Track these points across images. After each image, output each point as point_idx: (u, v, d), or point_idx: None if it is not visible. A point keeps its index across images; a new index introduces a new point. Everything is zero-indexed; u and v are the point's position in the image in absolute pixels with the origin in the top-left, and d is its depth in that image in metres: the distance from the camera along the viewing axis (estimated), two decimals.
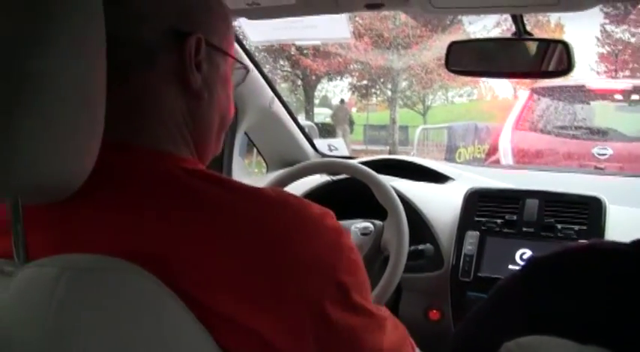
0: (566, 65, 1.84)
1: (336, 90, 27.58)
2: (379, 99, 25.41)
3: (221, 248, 0.83)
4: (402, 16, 19.86)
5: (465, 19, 19.66)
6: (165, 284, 0.77)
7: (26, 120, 0.71)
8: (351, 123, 20.73)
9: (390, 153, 16.76)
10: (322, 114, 26.09)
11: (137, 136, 0.94)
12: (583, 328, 0.70)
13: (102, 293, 0.73)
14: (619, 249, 0.76)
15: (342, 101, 22.10)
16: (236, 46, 2.13)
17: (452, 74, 2.22)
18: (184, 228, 0.83)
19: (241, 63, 1.13)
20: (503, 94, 28.57)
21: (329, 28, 2.52)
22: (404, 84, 22.76)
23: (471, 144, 15.91)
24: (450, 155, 15.19)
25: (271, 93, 2.52)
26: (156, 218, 0.85)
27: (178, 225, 0.84)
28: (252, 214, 0.86)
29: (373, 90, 24.42)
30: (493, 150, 8.55)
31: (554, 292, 0.77)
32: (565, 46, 1.85)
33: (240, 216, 0.85)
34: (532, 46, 1.91)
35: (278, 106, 2.59)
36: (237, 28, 2.38)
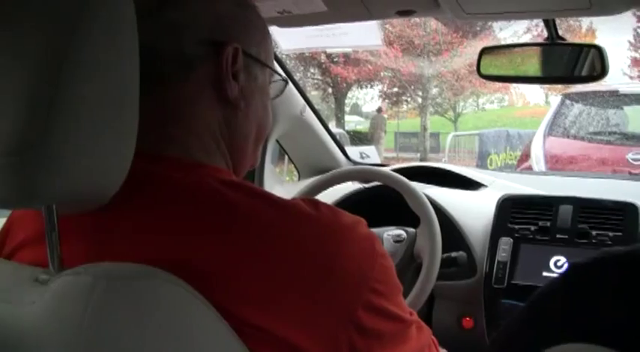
0: (599, 70, 1.82)
1: (366, 97, 27.59)
2: (410, 106, 25.33)
3: (256, 260, 0.83)
4: (433, 23, 19.83)
5: (496, 24, 19.57)
6: (198, 290, 0.78)
7: (61, 131, 0.72)
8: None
9: (421, 160, 16.72)
10: (353, 122, 26.10)
11: (171, 147, 0.95)
12: (630, 337, 0.69)
13: (136, 301, 0.74)
14: None
15: (379, 110, 22.14)
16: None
17: (483, 80, 2.21)
18: (219, 238, 0.84)
19: (280, 74, 1.13)
20: (535, 100, 28.41)
21: (360, 35, 2.52)
22: (434, 91, 22.69)
23: (502, 151, 15.82)
24: (482, 162, 15.11)
25: (303, 101, 2.52)
26: (190, 228, 0.85)
27: (213, 235, 0.84)
28: (287, 226, 0.86)
29: (404, 97, 24.35)
30: (525, 156, 8.49)
31: (597, 299, 0.76)
32: (599, 50, 1.83)
33: (275, 228, 0.86)
34: (565, 51, 1.90)
35: (309, 114, 2.59)
36: None
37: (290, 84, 2.44)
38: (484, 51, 1.98)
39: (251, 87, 1.02)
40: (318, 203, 0.92)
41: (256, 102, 1.04)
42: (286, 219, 0.87)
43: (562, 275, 0.83)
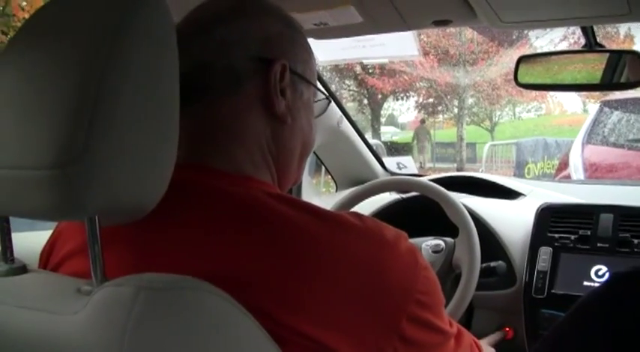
0: (639, 76, 1.81)
1: (402, 108, 27.56)
2: (446, 116, 25.26)
3: (303, 272, 0.84)
4: (468, 33, 19.76)
5: (532, 33, 19.44)
6: (242, 303, 0.78)
7: (102, 144, 0.73)
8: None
9: (458, 170, 16.64)
10: (389, 133, 26.08)
11: (218, 159, 0.97)
12: None
13: (178, 312, 0.74)
14: None
15: (422, 121, 22.30)
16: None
17: (519, 89, 2.21)
18: (266, 251, 0.85)
19: (324, 93, 1.15)
20: (572, 109, 28.15)
21: (397, 46, 2.52)
22: (470, 100, 22.59)
23: (540, 160, 15.69)
24: (519, 171, 14.99)
25: (340, 113, 2.53)
26: (237, 240, 0.86)
27: (260, 247, 0.85)
28: (334, 239, 0.87)
29: (440, 107, 24.28)
30: (563, 165, 8.40)
31: (638, 309, 0.75)
32: (638, 56, 1.81)
33: (322, 240, 0.87)
34: (603, 58, 1.88)
35: (346, 125, 2.59)
36: None
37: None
38: (521, 59, 1.98)
39: (297, 103, 1.05)
40: (362, 216, 0.94)
41: (302, 118, 1.06)
42: (333, 232, 0.88)
43: (604, 284, 0.83)
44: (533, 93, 23.02)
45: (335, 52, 2.45)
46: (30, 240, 1.32)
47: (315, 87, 1.11)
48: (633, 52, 1.85)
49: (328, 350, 0.83)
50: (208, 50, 0.98)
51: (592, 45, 1.83)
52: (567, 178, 7.90)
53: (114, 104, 0.74)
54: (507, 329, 2.06)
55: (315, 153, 2.68)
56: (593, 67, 1.90)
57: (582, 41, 1.85)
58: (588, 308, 0.83)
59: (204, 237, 0.87)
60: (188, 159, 0.96)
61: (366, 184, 2.13)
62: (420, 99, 24.39)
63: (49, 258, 1.06)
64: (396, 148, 19.74)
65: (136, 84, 0.75)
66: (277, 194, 0.94)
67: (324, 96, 1.17)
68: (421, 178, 2.37)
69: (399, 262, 0.90)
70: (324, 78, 2.54)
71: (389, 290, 0.88)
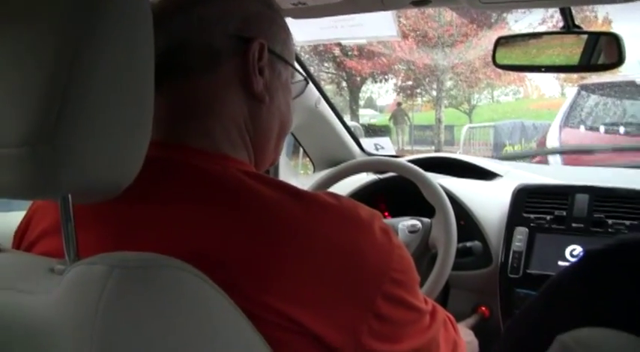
0: (616, 58, 1.81)
1: (380, 91, 27.52)
2: (424, 99, 25.25)
3: (277, 250, 0.85)
4: (447, 15, 19.74)
5: (511, 16, 19.45)
6: (216, 280, 0.78)
7: (73, 121, 0.72)
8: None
9: (436, 152, 16.67)
10: (367, 116, 26.03)
11: (197, 138, 0.97)
12: (636, 319, 0.69)
13: (151, 290, 0.73)
14: None
15: (399, 104, 22.33)
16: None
17: (498, 72, 2.21)
18: (241, 228, 0.85)
19: (302, 74, 1.16)
20: (550, 92, 28.21)
21: (376, 27, 2.50)
22: (449, 83, 22.61)
23: (517, 143, 15.76)
24: (497, 153, 15.06)
25: (317, 94, 2.52)
26: (212, 217, 0.87)
27: (235, 225, 0.86)
28: (310, 219, 0.88)
29: (418, 90, 24.27)
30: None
31: (613, 286, 0.76)
32: (615, 38, 1.82)
33: (296, 220, 0.87)
34: (581, 40, 1.89)
35: (324, 106, 2.59)
36: None
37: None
38: (499, 40, 1.98)
39: (275, 83, 1.05)
40: (337, 195, 0.94)
41: (279, 98, 1.06)
42: (308, 211, 0.88)
43: (577, 261, 0.83)
44: (512, 76, 23.09)
45: (313, 32, 2.43)
46: (4, 220, 1.31)
47: (294, 67, 1.11)
48: (610, 34, 1.85)
49: (302, 327, 0.84)
50: (187, 28, 0.98)
51: (570, 27, 1.84)
52: (544, 161, 7.94)
53: (87, 82, 0.73)
54: (483, 308, 2.08)
55: (292, 134, 2.67)
56: (572, 51, 1.90)
57: (561, 25, 1.86)
58: (560, 285, 0.84)
59: (180, 215, 0.87)
60: (166, 137, 0.96)
61: (343, 164, 2.13)
62: (399, 82, 24.37)
63: (23, 237, 1.05)
64: (374, 130, 19.72)
65: (110, 62, 0.75)
66: (254, 173, 0.94)
67: (302, 78, 1.17)
68: (398, 159, 2.37)
69: (374, 241, 0.91)
70: (303, 59, 2.54)
71: (364, 269, 0.88)
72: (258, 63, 1.00)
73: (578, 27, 1.85)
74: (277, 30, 1.06)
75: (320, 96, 2.54)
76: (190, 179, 0.91)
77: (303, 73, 1.18)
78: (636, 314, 0.71)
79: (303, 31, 2.33)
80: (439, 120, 21.09)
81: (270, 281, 0.83)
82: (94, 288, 0.72)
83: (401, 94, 24.62)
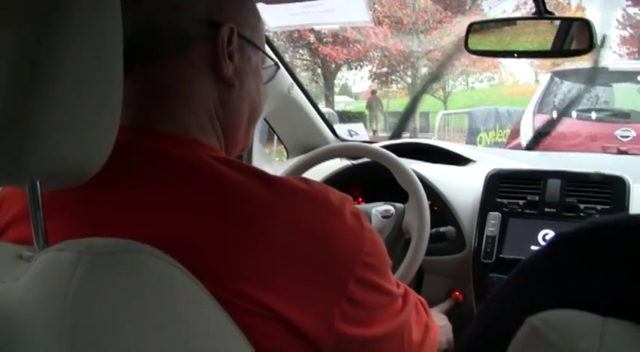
0: (587, 43, 1.82)
1: (355, 78, 27.58)
2: (399, 86, 25.35)
3: (247, 235, 0.84)
4: (422, 2, 19.79)
5: (485, 3, 19.56)
6: (187, 266, 0.78)
7: (42, 106, 0.71)
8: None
9: (412, 138, 16.74)
10: (342, 103, 26.08)
11: (165, 122, 0.96)
12: (614, 303, 0.69)
13: (120, 276, 0.73)
14: None
15: (373, 92, 22.38)
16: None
17: (472, 59, 2.21)
18: (211, 213, 0.85)
19: (272, 59, 1.16)
20: (525, 79, 28.46)
21: (348, 12, 2.50)
22: (424, 70, 22.67)
23: (492, 129, 15.84)
24: (471, 140, 15.13)
25: (290, 79, 2.51)
26: (182, 202, 0.86)
27: (205, 210, 0.85)
28: (278, 204, 0.87)
29: (393, 77, 24.34)
30: (515, 134, 8.51)
31: (583, 268, 0.76)
32: (586, 24, 1.82)
33: (266, 205, 0.87)
34: (552, 25, 1.89)
35: (297, 92, 2.58)
36: None
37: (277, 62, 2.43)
38: (472, 26, 1.98)
39: (245, 68, 1.04)
40: (308, 180, 0.94)
41: (250, 83, 1.06)
42: (279, 196, 0.88)
43: (549, 244, 0.83)
44: (486, 63, 23.21)
45: (284, 18, 2.43)
46: None
47: (264, 52, 1.10)
48: (582, 20, 1.86)
49: (274, 313, 0.83)
50: (156, 13, 0.97)
51: (542, 12, 1.84)
52: (518, 147, 8.00)
53: (54, 68, 0.72)
54: (457, 293, 2.09)
55: (266, 120, 2.66)
56: (545, 37, 1.91)
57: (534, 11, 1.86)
58: (530, 268, 0.84)
59: (150, 201, 0.87)
60: (135, 122, 0.95)
61: (316, 150, 2.12)
62: (374, 69, 24.43)
63: None
64: (349, 117, 19.78)
65: (77, 46, 0.74)
66: (224, 158, 0.93)
67: (272, 63, 1.17)
68: (372, 144, 2.37)
69: (345, 225, 0.90)
70: (276, 45, 2.53)
71: (335, 253, 0.88)
72: (227, 47, 0.99)
73: (550, 13, 1.85)
74: (247, 14, 1.05)
75: (293, 82, 2.52)
76: (159, 164, 0.90)
77: (274, 58, 1.18)
78: (602, 295, 0.71)
79: (275, 17, 2.32)
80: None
81: (240, 267, 0.83)
82: (62, 275, 0.71)
83: (376, 81, 24.68)
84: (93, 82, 0.76)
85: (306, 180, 0.93)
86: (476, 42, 1.98)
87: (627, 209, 1.91)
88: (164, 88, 0.97)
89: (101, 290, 0.72)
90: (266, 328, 0.84)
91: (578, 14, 21.67)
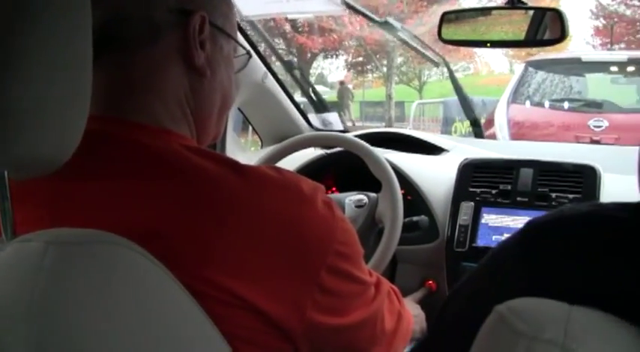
0: (559, 33, 1.83)
1: (331, 67, 27.57)
2: (375, 75, 25.38)
3: (218, 224, 0.84)
4: None
5: None
6: (157, 255, 0.78)
7: (9, 95, 0.71)
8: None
9: (387, 128, 16.77)
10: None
11: (136, 112, 0.96)
12: (573, 290, 0.70)
13: (89, 266, 0.73)
14: (616, 216, 0.76)
15: (341, 83, 22.36)
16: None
17: (448, 49, 2.22)
18: (181, 202, 0.85)
19: (244, 48, 1.14)
20: (500, 69, 28.61)
21: (321, 1, 2.50)
22: (399, 60, 22.71)
23: (466, 119, 15.89)
24: (446, 129, 15.20)
25: (264, 68, 2.50)
26: (152, 191, 0.86)
27: (176, 199, 0.85)
28: (249, 192, 0.87)
29: (369, 66, 24.37)
30: (489, 123, 8.53)
31: (549, 255, 0.77)
32: (558, 14, 1.84)
33: (237, 193, 0.87)
34: (526, 15, 1.90)
35: (271, 81, 2.57)
36: None
37: (251, 50, 2.42)
38: (445, 15, 1.99)
39: (217, 56, 1.04)
40: (280, 169, 0.94)
41: (222, 72, 1.05)
42: (250, 184, 0.88)
43: (518, 232, 0.84)
44: (462, 53, 23.26)
45: (258, 7, 2.43)
46: None
47: (236, 41, 1.10)
48: (554, 10, 1.87)
49: (245, 302, 0.84)
50: (127, 2, 0.96)
51: (514, 2, 1.85)
52: (492, 137, 8.03)
53: (22, 55, 0.71)
54: (430, 282, 2.10)
55: (240, 110, 2.65)
56: (519, 28, 1.92)
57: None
58: (499, 256, 0.85)
59: (119, 190, 0.87)
60: (105, 112, 0.95)
61: (289, 139, 2.11)
62: (350, 58, 24.43)
63: None
64: (325, 107, 19.77)
65: (46, 35, 0.73)
66: (195, 147, 0.93)
67: (244, 51, 1.16)
68: (345, 134, 2.37)
69: (317, 214, 0.91)
70: (250, 34, 2.51)
71: (307, 241, 0.89)
72: (199, 36, 0.99)
73: (523, 3, 1.86)
74: (219, 3, 1.05)
75: (267, 71, 2.52)
76: (129, 153, 0.90)
77: (246, 47, 1.17)
78: (569, 283, 0.72)
79: (249, 6, 2.32)
80: (389, 97, 21.20)
81: (210, 255, 0.83)
82: (30, 266, 0.71)
83: (352, 70, 24.69)
84: (62, 70, 0.76)
85: (278, 169, 0.93)
86: (451, 32, 1.99)
87: (598, 198, 1.93)
88: (134, 77, 0.97)
89: (69, 281, 0.72)
90: (237, 317, 0.84)
91: (553, 5, 21.82)
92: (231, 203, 0.86)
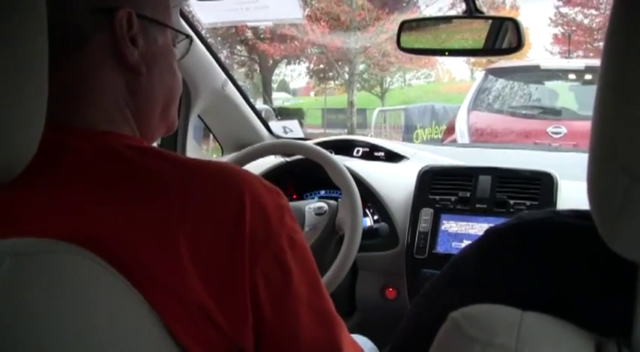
0: (516, 42, 1.86)
1: (293, 74, 27.60)
2: (337, 82, 25.42)
3: (166, 225, 0.83)
4: None
5: (422, 1, 19.72)
6: (108, 262, 0.77)
7: None
8: None
9: (349, 135, 16.79)
10: (280, 99, 26.06)
11: (77, 118, 0.93)
12: (526, 296, 0.71)
13: (44, 276, 0.72)
14: (570, 223, 0.77)
15: None
16: (185, 24, 2.11)
17: (409, 57, 2.23)
18: (124, 205, 0.83)
19: (182, 32, 1.10)
20: (461, 76, 28.85)
21: (281, 9, 2.50)
22: (361, 67, 22.77)
23: (428, 126, 16.01)
24: (408, 136, 15.28)
25: (224, 75, 2.50)
26: (94, 196, 0.85)
27: (118, 202, 0.84)
28: (197, 189, 0.86)
29: (331, 73, 24.41)
30: (450, 130, 8.60)
31: (505, 262, 0.77)
32: (515, 23, 1.86)
33: (184, 191, 0.85)
34: (484, 25, 1.92)
35: (231, 89, 2.57)
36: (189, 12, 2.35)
37: (210, 58, 2.41)
38: (404, 24, 2.00)
39: (152, 50, 1.00)
40: (231, 166, 0.92)
41: (160, 65, 1.02)
42: (197, 182, 0.87)
43: (476, 241, 0.85)
44: (423, 60, 23.43)
45: (219, 14, 2.42)
46: None
47: (172, 28, 1.05)
48: (511, 19, 1.89)
49: (194, 303, 0.82)
50: (49, 7, 0.88)
51: (472, 11, 1.87)
52: (454, 143, 8.09)
53: None
54: (390, 289, 2.10)
55: (200, 116, 2.64)
56: (479, 36, 1.94)
57: None
58: (462, 262, 0.86)
59: (65, 198, 0.85)
60: (52, 119, 0.92)
61: (249, 147, 2.11)
62: (312, 66, 24.47)
63: None
64: (287, 114, 19.77)
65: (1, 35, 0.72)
66: (136, 146, 0.91)
67: (184, 36, 1.12)
68: (305, 141, 2.38)
69: (266, 214, 0.89)
70: (189, 17, 2.50)
71: (253, 243, 0.86)
72: (128, 33, 0.95)
73: (481, 12, 1.88)
74: None
75: (226, 78, 2.51)
76: (71, 161, 0.88)
77: (186, 31, 1.13)
78: (522, 289, 0.73)
79: (209, 13, 2.31)
80: (351, 104, 21.23)
81: (151, 252, 0.82)
82: None
83: (314, 78, 24.72)
84: (16, 79, 0.74)
85: (227, 164, 0.92)
86: (411, 40, 2.01)
87: (555, 204, 1.95)
88: (68, 84, 0.93)
89: (26, 292, 0.71)
90: (185, 317, 0.82)
91: (512, 13, 22.04)
92: (175, 203, 0.84)
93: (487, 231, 0.84)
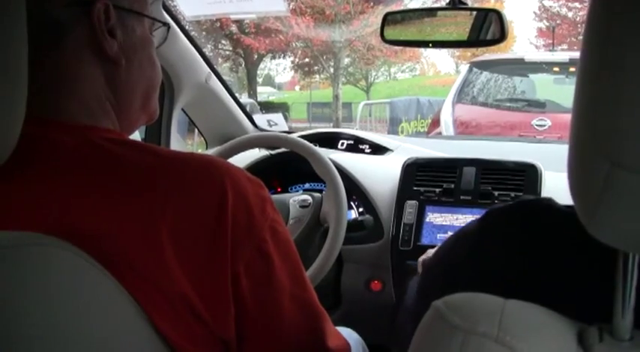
0: (499, 34, 1.86)
1: (279, 68, 27.59)
2: (322, 76, 25.43)
3: (148, 216, 0.83)
4: None
5: None
6: (91, 255, 0.77)
7: None
8: None
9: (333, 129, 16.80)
10: (266, 93, 26.05)
11: (55, 112, 0.93)
12: (509, 283, 0.71)
13: (25, 269, 0.72)
14: (564, 210, 0.77)
15: None
16: (167, 16, 2.10)
17: (394, 50, 2.23)
18: (104, 197, 0.83)
19: (159, 20, 1.09)
20: (446, 69, 28.94)
21: (264, 1, 2.50)
22: (346, 61, 22.80)
23: (413, 119, 16.05)
24: (393, 129, 15.30)
25: (207, 69, 2.49)
26: (75, 189, 0.84)
27: (98, 195, 0.83)
28: (179, 181, 0.86)
29: (316, 67, 24.41)
30: (435, 123, 8.62)
31: (485, 252, 0.78)
32: (498, 14, 1.86)
33: (166, 183, 0.85)
34: (468, 18, 1.93)
35: (215, 82, 2.56)
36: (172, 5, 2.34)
37: (194, 51, 2.40)
38: (388, 15, 2.00)
39: (131, 41, 0.99)
40: (213, 158, 0.92)
41: (139, 55, 1.02)
42: (180, 173, 0.87)
43: (476, 220, 0.86)
44: (408, 54, 23.46)
45: (202, 7, 2.41)
46: None
47: (149, 17, 1.04)
48: (494, 11, 1.90)
49: (175, 293, 0.82)
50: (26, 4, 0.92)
51: (456, 2, 1.87)
52: (439, 136, 8.11)
53: None
54: (376, 281, 2.11)
55: (184, 110, 2.63)
56: (463, 29, 1.94)
57: None
58: (459, 241, 0.86)
59: (48, 191, 0.85)
60: (33, 113, 0.91)
61: (234, 140, 2.11)
62: (297, 60, 24.46)
63: None
64: (272, 108, 19.75)
65: None
66: (116, 139, 0.91)
67: (161, 24, 1.11)
68: (289, 134, 2.37)
69: (248, 205, 0.89)
70: (170, 6, 2.49)
71: (235, 233, 0.86)
72: (106, 25, 0.94)
73: (464, 3, 1.88)
74: None
75: (210, 71, 2.51)
76: (53, 154, 0.88)
77: (163, 19, 1.12)
78: (506, 276, 0.73)
79: (192, 6, 2.31)
80: (337, 98, 21.24)
81: (132, 243, 0.81)
82: None
83: (299, 72, 24.72)
84: None
85: (209, 156, 0.93)
86: (396, 32, 2.00)
87: (539, 195, 1.96)
88: (48, 77, 0.93)
89: (5, 285, 0.70)
90: (167, 309, 0.82)
91: (498, 6, 22.10)
92: (157, 194, 0.84)
93: (487, 212, 0.85)
